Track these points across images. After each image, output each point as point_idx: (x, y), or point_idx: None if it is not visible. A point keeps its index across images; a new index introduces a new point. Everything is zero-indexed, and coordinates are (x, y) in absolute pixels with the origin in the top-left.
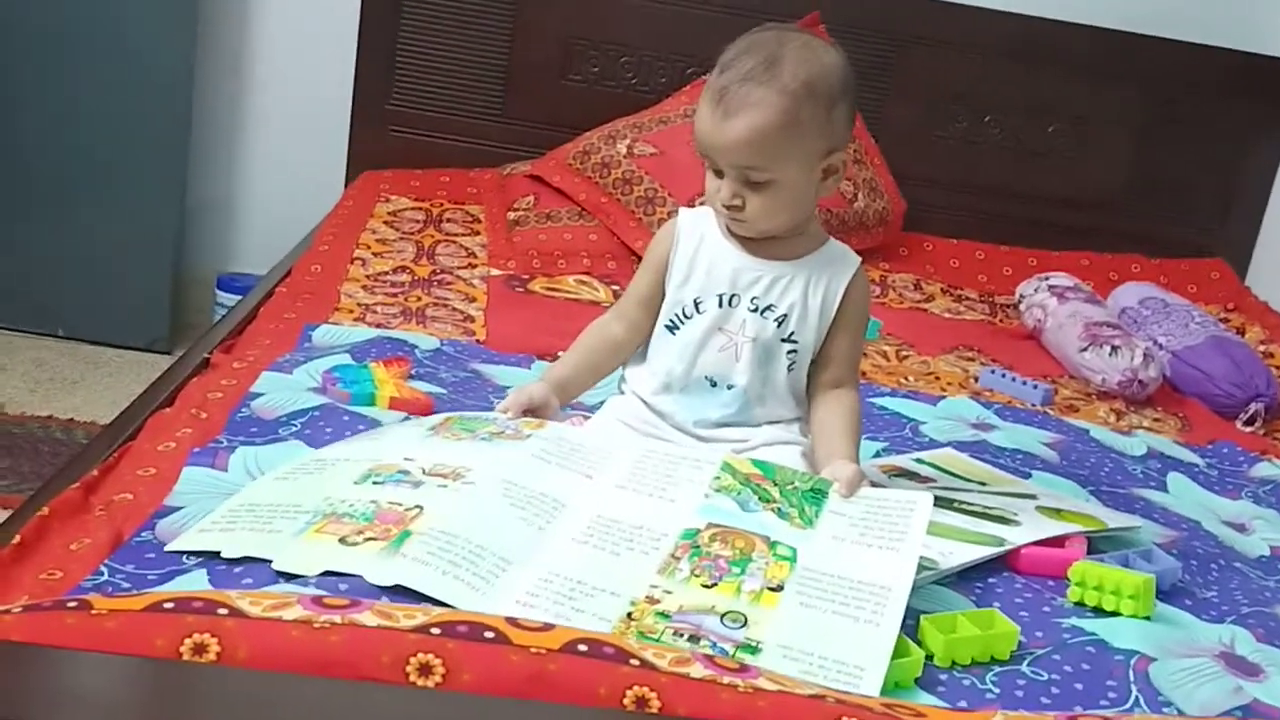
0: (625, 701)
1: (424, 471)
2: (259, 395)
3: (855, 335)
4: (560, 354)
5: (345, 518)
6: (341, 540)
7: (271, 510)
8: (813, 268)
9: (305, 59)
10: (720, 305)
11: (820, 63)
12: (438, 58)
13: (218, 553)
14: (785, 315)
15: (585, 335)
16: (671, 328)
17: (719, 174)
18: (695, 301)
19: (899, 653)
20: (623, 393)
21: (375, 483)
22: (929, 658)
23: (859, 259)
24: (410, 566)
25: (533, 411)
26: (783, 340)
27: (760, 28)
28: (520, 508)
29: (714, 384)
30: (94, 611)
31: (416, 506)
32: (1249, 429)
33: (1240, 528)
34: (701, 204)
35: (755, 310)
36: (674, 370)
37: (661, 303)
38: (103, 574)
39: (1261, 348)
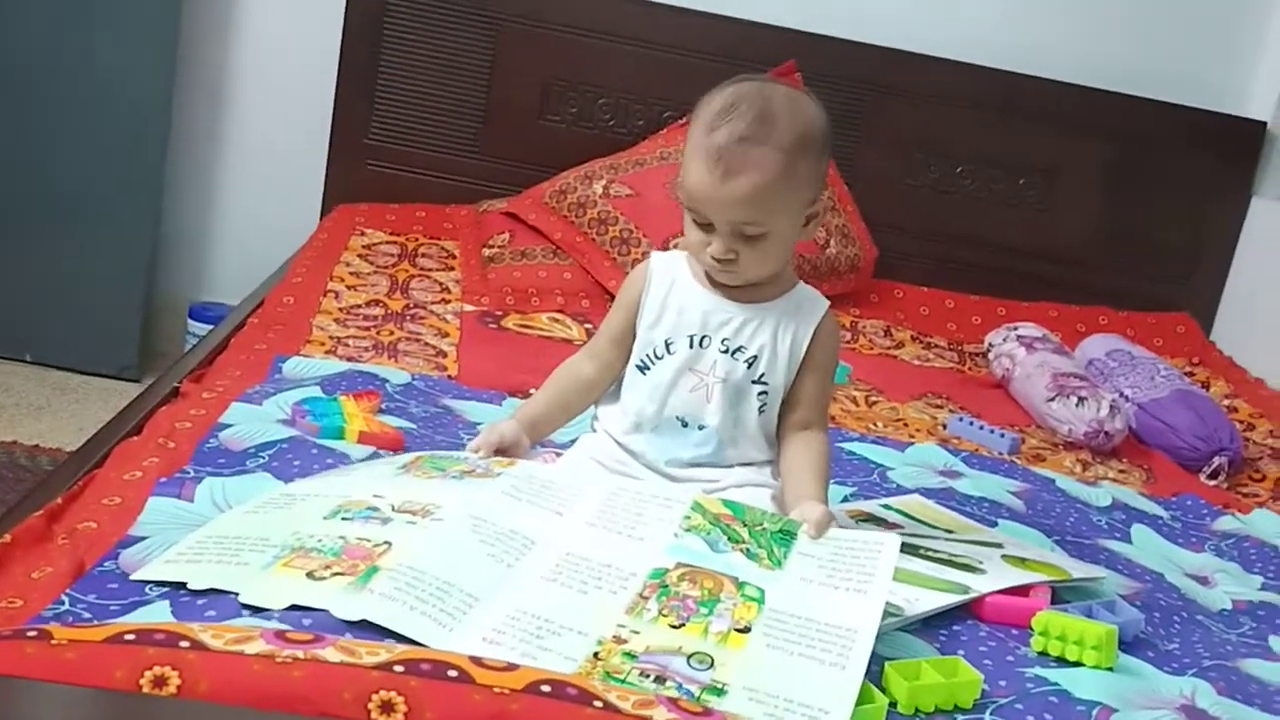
0: None
1: (393, 508)
2: (228, 426)
3: (823, 377)
4: (532, 391)
5: (313, 552)
6: (309, 575)
7: (239, 543)
8: (782, 311)
9: (284, 91)
10: (691, 346)
11: (808, 115)
12: (417, 94)
13: (182, 584)
14: (755, 357)
15: (557, 374)
16: (642, 368)
17: (706, 227)
18: (666, 342)
19: (863, 699)
20: (595, 431)
21: (344, 518)
22: (892, 705)
23: (827, 302)
24: (377, 602)
25: (504, 451)
26: (753, 382)
27: (738, 79)
28: (489, 544)
29: (685, 424)
30: (53, 641)
31: (385, 542)
32: (1213, 482)
33: (1203, 580)
34: (675, 246)
35: (726, 351)
36: (645, 410)
37: (633, 343)
38: (64, 603)
39: (1226, 402)
